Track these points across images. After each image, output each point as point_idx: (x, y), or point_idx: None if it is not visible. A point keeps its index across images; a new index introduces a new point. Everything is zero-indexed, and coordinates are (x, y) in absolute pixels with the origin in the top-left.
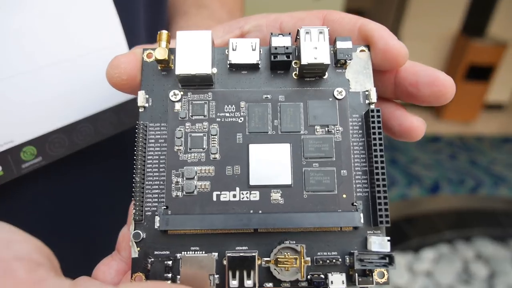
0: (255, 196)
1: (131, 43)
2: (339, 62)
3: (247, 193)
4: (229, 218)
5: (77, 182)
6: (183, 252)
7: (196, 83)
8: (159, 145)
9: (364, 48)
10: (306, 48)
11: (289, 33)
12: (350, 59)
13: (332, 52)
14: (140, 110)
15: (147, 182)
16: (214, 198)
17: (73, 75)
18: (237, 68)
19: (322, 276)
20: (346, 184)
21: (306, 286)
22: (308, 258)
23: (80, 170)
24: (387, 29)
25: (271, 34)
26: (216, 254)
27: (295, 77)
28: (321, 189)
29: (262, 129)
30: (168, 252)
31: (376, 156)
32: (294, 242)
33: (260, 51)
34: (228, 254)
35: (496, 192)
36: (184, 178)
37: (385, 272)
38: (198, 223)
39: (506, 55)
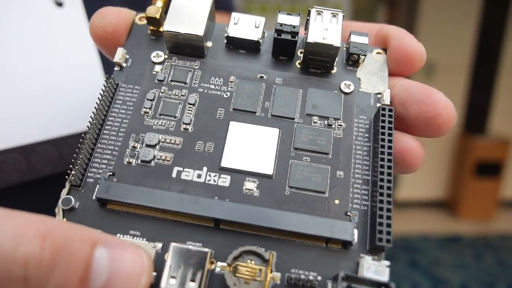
0: (224, 181)
1: (106, 63)
2: (352, 57)
3: (215, 175)
4: (185, 199)
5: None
6: (118, 235)
7: (185, 52)
8: (125, 107)
9: (381, 51)
10: (315, 27)
11: (299, 14)
12: (364, 55)
13: (344, 48)
14: (115, 68)
15: (99, 145)
16: (174, 174)
17: (38, 91)
18: (235, 45)
19: None
20: (341, 188)
21: None
22: (278, 274)
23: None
24: (405, 31)
25: (279, 11)
26: (160, 245)
27: (299, 66)
28: (309, 188)
29: (249, 107)
30: (99, 231)
31: (382, 165)
32: (264, 249)
33: (264, 32)
34: (173, 244)
35: None
36: (144, 145)
37: None
38: (144, 197)
39: None
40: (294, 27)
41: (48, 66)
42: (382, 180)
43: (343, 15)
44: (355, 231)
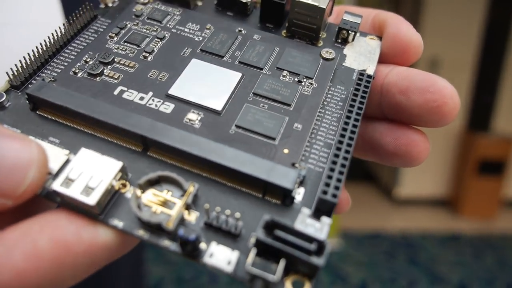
0: (166, 108)
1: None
2: (341, 34)
3: (159, 101)
4: (116, 112)
5: None
6: (34, 138)
7: (174, 4)
8: (95, 35)
9: (374, 37)
10: None
11: None
12: (353, 31)
13: (336, 30)
14: (100, 5)
15: (55, 60)
16: (116, 92)
17: None
18: (224, 6)
19: (203, 243)
20: (294, 140)
21: (171, 246)
22: (195, 213)
23: None
24: (403, 18)
25: None
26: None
27: (284, 35)
28: (257, 130)
29: (218, 51)
30: (18, 131)
31: (346, 127)
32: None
33: (255, 3)
34: (83, 148)
35: None
36: (97, 61)
37: (307, 285)
38: (73, 100)
39: None
40: None
41: (8, 19)
42: (343, 135)
43: None
44: (302, 189)
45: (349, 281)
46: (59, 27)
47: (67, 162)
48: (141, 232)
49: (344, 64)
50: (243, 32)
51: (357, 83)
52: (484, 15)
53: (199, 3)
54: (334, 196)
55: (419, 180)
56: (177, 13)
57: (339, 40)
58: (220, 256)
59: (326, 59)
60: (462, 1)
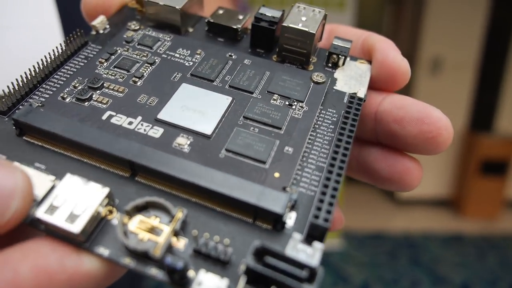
0: (155, 132)
1: (66, 23)
2: (331, 59)
3: (148, 125)
4: (103, 136)
5: None
6: (19, 164)
7: (166, 29)
8: (85, 61)
9: (364, 61)
10: (294, 16)
11: (283, 10)
12: (344, 55)
13: (326, 54)
14: (92, 32)
15: (44, 86)
16: (104, 117)
17: None
18: (214, 32)
19: (192, 271)
20: (285, 163)
21: (158, 275)
22: (184, 240)
23: None
24: (391, 42)
25: (263, 5)
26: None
27: (274, 60)
28: (248, 154)
29: (208, 76)
30: (4, 157)
31: (337, 150)
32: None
33: (245, 30)
34: (69, 174)
35: None
36: (86, 86)
37: None
38: (60, 125)
39: None
40: (273, 17)
41: (5, 23)
42: (334, 158)
43: (326, 14)
44: (293, 214)
45: (351, 282)
46: (49, 53)
47: (52, 188)
48: (127, 261)
49: (335, 87)
50: (233, 57)
51: (348, 106)
52: (487, 15)
53: (190, 30)
54: (326, 220)
55: (422, 180)
56: (168, 39)
57: (330, 65)
58: (209, 284)
59: (317, 83)
60: (465, 1)
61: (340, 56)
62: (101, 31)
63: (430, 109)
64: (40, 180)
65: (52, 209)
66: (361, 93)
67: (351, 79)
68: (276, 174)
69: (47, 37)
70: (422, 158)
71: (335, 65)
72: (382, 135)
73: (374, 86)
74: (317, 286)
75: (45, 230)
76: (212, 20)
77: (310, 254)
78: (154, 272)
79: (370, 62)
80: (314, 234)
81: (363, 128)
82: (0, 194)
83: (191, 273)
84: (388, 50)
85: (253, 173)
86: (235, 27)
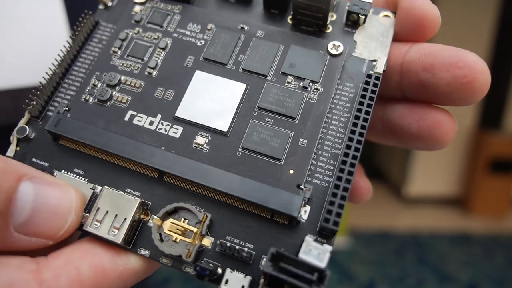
0: (175, 132)
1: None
2: (351, 17)
3: (168, 125)
4: (129, 145)
5: None
6: (62, 171)
7: None
8: (101, 46)
9: (389, 14)
10: None
11: None
12: (364, 14)
13: (346, 7)
14: (100, 6)
15: (66, 80)
16: (126, 118)
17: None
18: None
19: (219, 269)
20: (299, 158)
21: (192, 272)
22: (210, 239)
23: None
24: None
25: None
26: (100, 188)
27: (290, 22)
28: (263, 151)
29: (220, 58)
30: (46, 164)
31: (351, 138)
32: (202, 210)
33: None
34: (106, 187)
35: None
36: (104, 84)
37: None
38: (89, 136)
39: None
40: None
41: (10, 15)
42: (346, 155)
43: None
44: (308, 208)
45: (357, 280)
46: (64, 46)
47: (93, 195)
48: (165, 260)
49: (353, 53)
50: (245, 28)
51: (364, 88)
52: (496, 13)
53: None
54: (336, 223)
55: (429, 178)
56: (177, 11)
57: (349, 23)
58: (234, 282)
59: (333, 55)
60: (474, 0)
61: (360, 15)
62: (109, 4)
63: (463, 52)
64: (83, 189)
65: (96, 222)
66: (380, 66)
67: (372, 40)
68: (291, 171)
69: (52, 28)
70: (429, 155)
71: (355, 24)
72: (410, 88)
73: (400, 38)
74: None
75: (94, 236)
76: None
77: (320, 255)
78: (188, 270)
79: (395, 13)
80: (325, 231)
81: (387, 84)
82: (58, 211)
83: (219, 270)
84: None
85: (268, 170)
86: None
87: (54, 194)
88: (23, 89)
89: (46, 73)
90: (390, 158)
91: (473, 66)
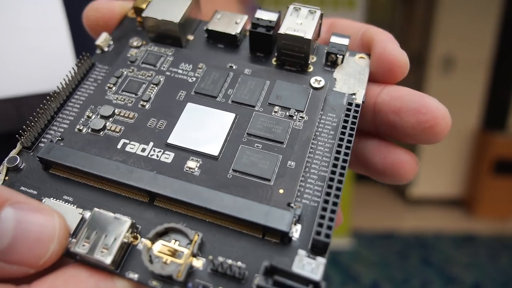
0: (167, 157)
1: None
2: (330, 58)
3: (159, 151)
4: (119, 167)
5: None
6: (51, 198)
7: (166, 42)
8: (95, 85)
9: (364, 56)
10: (289, 21)
11: (279, 11)
12: (341, 55)
13: (325, 51)
14: (97, 51)
15: (60, 115)
16: (119, 146)
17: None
18: (214, 38)
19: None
20: (288, 178)
21: None
22: (202, 260)
23: None
24: (390, 35)
25: (259, 8)
26: (89, 213)
27: (274, 63)
28: (253, 173)
29: (211, 92)
30: (35, 192)
31: (337, 157)
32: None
33: (244, 32)
34: (96, 209)
35: None
36: (98, 116)
37: None
38: (81, 161)
39: None
40: (270, 21)
41: (13, 24)
42: (333, 172)
43: (321, 13)
44: (298, 226)
45: (360, 281)
46: (60, 83)
47: (81, 220)
48: (154, 283)
49: (334, 89)
50: (234, 67)
51: (346, 114)
52: (499, 13)
53: (190, 38)
54: (327, 236)
55: (433, 179)
56: (170, 54)
57: (329, 63)
58: None
59: (315, 89)
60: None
61: (338, 55)
62: (106, 49)
63: (426, 98)
64: (70, 214)
65: (84, 243)
66: (360, 95)
67: (350, 77)
68: (281, 191)
69: (54, 37)
70: (434, 156)
71: (334, 64)
72: (381, 126)
73: (373, 78)
74: None
75: (80, 260)
76: (210, 28)
77: (314, 269)
78: None
79: (369, 55)
80: (317, 246)
81: (363, 119)
82: (40, 238)
83: None
84: (386, 42)
85: (259, 190)
86: (233, 33)
87: (36, 220)
88: (26, 97)
89: (41, 106)
90: None
91: (435, 112)
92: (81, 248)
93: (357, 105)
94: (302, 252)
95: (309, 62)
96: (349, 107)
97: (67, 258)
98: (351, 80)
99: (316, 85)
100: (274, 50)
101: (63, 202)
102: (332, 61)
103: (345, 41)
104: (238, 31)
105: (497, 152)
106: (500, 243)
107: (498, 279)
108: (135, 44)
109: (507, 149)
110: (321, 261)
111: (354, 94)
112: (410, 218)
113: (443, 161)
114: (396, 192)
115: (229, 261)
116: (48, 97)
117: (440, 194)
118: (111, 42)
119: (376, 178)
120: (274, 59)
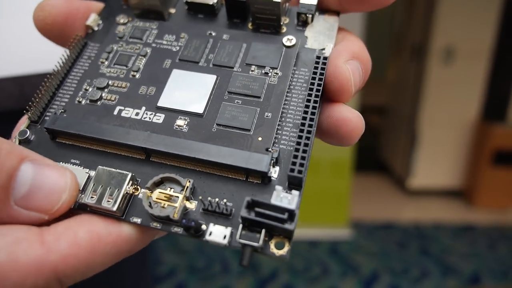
0: (158, 118)
1: None
2: (300, 18)
3: (151, 114)
4: (117, 130)
5: None
6: (60, 162)
7: (150, 17)
8: (90, 61)
9: (333, 13)
10: None
11: None
12: (311, 14)
13: (296, 12)
14: (88, 30)
15: (61, 91)
16: (115, 112)
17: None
18: (194, 10)
19: (203, 225)
20: (266, 127)
21: (179, 231)
22: (194, 202)
23: None
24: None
25: None
26: (94, 172)
27: (250, 28)
28: (235, 125)
29: (193, 58)
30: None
31: (307, 105)
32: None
33: (221, 1)
34: (99, 167)
35: None
36: (95, 88)
37: (287, 244)
38: (83, 128)
39: None
40: None
41: (16, 5)
42: (304, 118)
43: None
44: (277, 168)
45: (360, 272)
46: (58, 62)
47: (88, 178)
48: (155, 224)
49: (305, 46)
50: (213, 34)
51: (314, 67)
52: (500, 3)
53: (172, 11)
54: (300, 172)
55: (433, 170)
56: (154, 27)
57: (300, 23)
58: (217, 233)
59: (288, 47)
60: None
61: (307, 14)
62: (96, 28)
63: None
64: (78, 174)
65: (93, 195)
66: (327, 51)
67: (320, 34)
68: (260, 138)
69: None
70: (433, 147)
71: (305, 23)
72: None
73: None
74: (295, 224)
75: (90, 211)
76: (190, 0)
77: (290, 201)
78: (176, 230)
79: (338, 13)
80: (293, 182)
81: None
82: (53, 189)
83: (203, 226)
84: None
85: (241, 140)
86: (211, 3)
87: (51, 174)
88: (29, 76)
89: (43, 83)
90: (394, 151)
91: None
92: (90, 199)
93: (325, 58)
94: (279, 188)
95: (281, 23)
96: (317, 60)
97: (79, 211)
98: (320, 37)
99: (288, 43)
100: (249, 16)
101: (71, 164)
102: (303, 21)
103: (313, 1)
104: (215, 0)
105: (497, 143)
106: (499, 233)
107: (497, 269)
108: (122, 21)
109: (506, 140)
110: (296, 193)
111: (323, 49)
112: (409, 208)
113: (443, 152)
114: (395, 183)
115: (217, 199)
116: (48, 76)
117: (439, 185)
118: (100, 22)
119: (323, 139)
120: (250, 23)
